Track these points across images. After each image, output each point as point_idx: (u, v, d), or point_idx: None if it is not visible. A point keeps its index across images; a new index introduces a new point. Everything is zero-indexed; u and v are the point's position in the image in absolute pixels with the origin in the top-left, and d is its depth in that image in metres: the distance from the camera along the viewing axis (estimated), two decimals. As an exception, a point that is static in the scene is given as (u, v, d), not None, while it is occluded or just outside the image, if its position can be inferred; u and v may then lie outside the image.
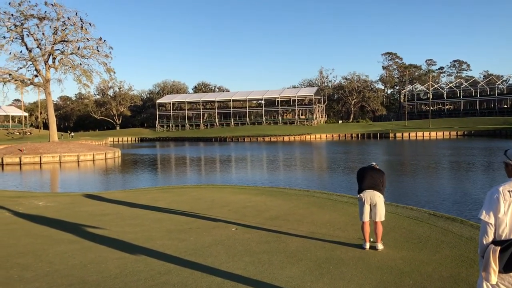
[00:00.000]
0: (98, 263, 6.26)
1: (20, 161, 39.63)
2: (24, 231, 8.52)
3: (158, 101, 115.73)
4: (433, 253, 6.36)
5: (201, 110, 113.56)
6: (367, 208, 6.69)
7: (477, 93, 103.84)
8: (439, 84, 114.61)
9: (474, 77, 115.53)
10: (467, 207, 14.91)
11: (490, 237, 3.29)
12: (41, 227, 8.82)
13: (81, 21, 47.80)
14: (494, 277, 3.23)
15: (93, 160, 42.86)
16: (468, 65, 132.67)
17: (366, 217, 6.70)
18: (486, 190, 17.46)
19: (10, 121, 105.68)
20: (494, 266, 3.21)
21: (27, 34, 46.80)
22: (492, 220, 3.27)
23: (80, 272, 5.87)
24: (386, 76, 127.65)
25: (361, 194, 6.73)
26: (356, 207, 9.64)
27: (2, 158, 39.68)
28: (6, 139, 78.51)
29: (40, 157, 40.42)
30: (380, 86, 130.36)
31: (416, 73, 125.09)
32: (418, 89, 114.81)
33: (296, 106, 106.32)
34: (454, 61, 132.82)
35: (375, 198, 6.65)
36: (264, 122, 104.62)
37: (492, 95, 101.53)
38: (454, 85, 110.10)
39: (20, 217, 10.02)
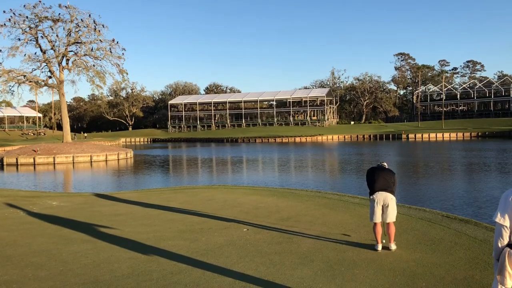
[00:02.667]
0: (111, 262, 6.31)
1: (34, 161, 40.15)
2: (38, 230, 8.62)
3: (170, 102, 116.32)
4: (447, 255, 6.29)
5: (212, 111, 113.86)
6: (378, 210, 6.65)
7: (491, 94, 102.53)
8: (452, 85, 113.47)
9: (488, 78, 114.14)
10: (481, 209, 14.73)
11: (506, 240, 3.23)
12: (55, 227, 8.92)
13: (94, 23, 48.37)
14: (509, 281, 3.18)
15: (106, 160, 43.23)
16: (482, 66, 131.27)
17: (378, 218, 6.66)
18: (500, 192, 17.25)
19: (25, 121, 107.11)
20: (510, 270, 3.16)
21: (41, 36, 47.51)
22: (507, 223, 3.21)
23: (93, 272, 5.93)
24: (398, 77, 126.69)
25: (373, 196, 6.69)
26: (367, 208, 9.56)
27: (17, 159, 40.25)
28: (21, 140, 79.56)
29: (53, 157, 40.91)
30: (392, 87, 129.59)
31: (429, 74, 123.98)
32: (431, 90, 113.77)
33: (308, 107, 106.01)
34: (468, 61, 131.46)
35: (388, 200, 6.62)
36: (276, 123, 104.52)
37: (507, 96, 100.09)
38: (468, 85, 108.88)
39: (35, 216, 10.15)
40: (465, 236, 7.25)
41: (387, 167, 6.97)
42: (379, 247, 6.63)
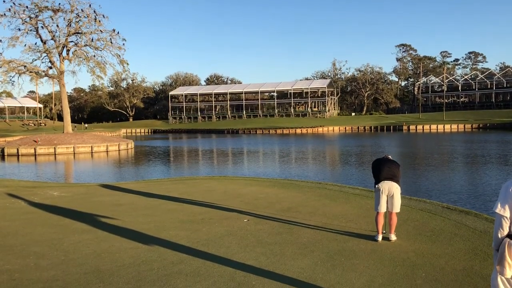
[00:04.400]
0: (112, 252, 6.35)
1: (35, 152, 40.18)
2: (40, 220, 8.65)
3: (171, 93, 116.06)
4: (446, 246, 6.31)
5: (213, 102, 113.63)
6: (384, 199, 6.67)
7: (493, 86, 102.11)
8: (454, 76, 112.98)
9: (490, 69, 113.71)
10: (482, 200, 14.75)
11: (505, 231, 3.24)
12: (56, 217, 8.95)
13: (95, 13, 48.06)
14: (509, 271, 3.19)
15: (107, 151, 43.27)
16: (484, 57, 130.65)
17: (382, 208, 6.68)
18: (501, 183, 17.25)
19: (25, 112, 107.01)
20: (510, 260, 3.17)
21: (41, 26, 47.24)
22: (507, 214, 3.22)
23: (94, 261, 5.96)
24: (400, 68, 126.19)
25: (379, 185, 6.70)
26: (368, 199, 9.62)
27: (17, 149, 40.29)
28: (21, 130, 79.64)
29: (54, 148, 40.93)
30: (394, 78, 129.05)
31: (431, 65, 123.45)
32: (432, 81, 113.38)
33: (309, 98, 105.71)
34: (470, 52, 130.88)
35: (393, 189, 6.64)
36: (277, 115, 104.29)
37: (509, 88, 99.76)
38: (470, 77, 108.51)
39: (36, 207, 10.18)
40: (465, 227, 7.26)
41: (391, 159, 7.00)
42: (380, 237, 6.65)
